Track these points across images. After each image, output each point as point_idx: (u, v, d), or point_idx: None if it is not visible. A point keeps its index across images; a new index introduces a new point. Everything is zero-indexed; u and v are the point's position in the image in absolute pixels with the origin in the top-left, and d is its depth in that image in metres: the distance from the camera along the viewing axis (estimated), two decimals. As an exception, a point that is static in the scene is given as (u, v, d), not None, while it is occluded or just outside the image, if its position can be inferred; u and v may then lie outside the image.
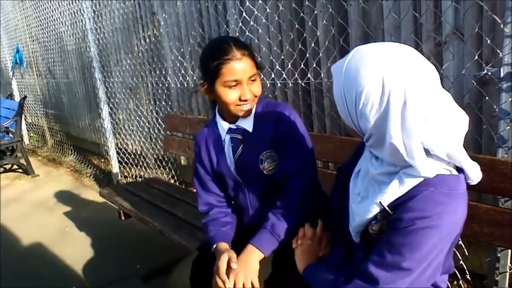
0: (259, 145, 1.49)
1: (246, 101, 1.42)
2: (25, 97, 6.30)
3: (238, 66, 1.37)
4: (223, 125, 1.54)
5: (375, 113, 0.95)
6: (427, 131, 0.93)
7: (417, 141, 0.93)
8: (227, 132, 1.54)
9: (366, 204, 1.06)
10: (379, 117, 0.95)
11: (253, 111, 1.51)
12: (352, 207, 1.13)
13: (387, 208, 1.01)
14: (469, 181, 1.03)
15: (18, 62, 7.28)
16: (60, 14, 5.48)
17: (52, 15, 5.75)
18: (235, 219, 1.63)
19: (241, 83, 1.40)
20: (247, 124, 1.51)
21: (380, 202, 1.01)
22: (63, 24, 5.52)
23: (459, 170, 1.03)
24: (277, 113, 1.50)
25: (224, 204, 1.65)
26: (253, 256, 1.36)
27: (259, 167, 1.49)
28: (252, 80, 1.42)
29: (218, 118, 1.56)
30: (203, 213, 1.64)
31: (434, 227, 0.94)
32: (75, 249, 3.17)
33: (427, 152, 0.96)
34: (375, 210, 1.04)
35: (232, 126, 1.53)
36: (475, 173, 1.02)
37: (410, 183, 0.98)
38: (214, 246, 1.49)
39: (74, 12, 5.08)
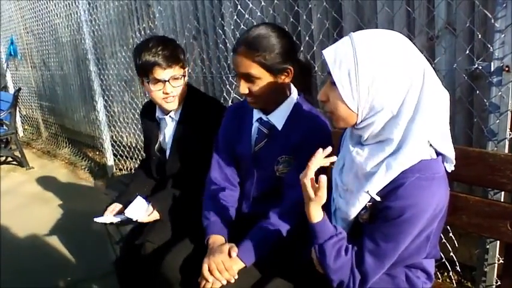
0: (282, 147, 1.49)
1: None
2: (19, 89, 6.28)
3: (235, 59, 1.41)
4: (256, 112, 1.54)
5: (395, 91, 0.99)
6: (434, 114, 1.00)
7: (423, 123, 0.99)
8: (256, 120, 1.54)
9: (354, 198, 1.09)
10: (397, 96, 0.99)
11: (290, 109, 1.50)
12: (340, 202, 1.16)
13: (376, 197, 1.04)
14: (446, 164, 1.09)
15: (12, 53, 7.23)
16: (55, 6, 5.44)
17: (47, 7, 5.71)
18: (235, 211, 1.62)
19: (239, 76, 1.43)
20: (279, 121, 1.50)
21: (368, 192, 1.04)
22: (58, 15, 5.48)
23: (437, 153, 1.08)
24: (311, 122, 1.47)
25: (232, 192, 1.62)
26: (234, 265, 1.36)
27: (273, 167, 1.50)
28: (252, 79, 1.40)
29: None
30: (211, 184, 1.62)
31: (424, 211, 1.00)
32: (70, 242, 3.18)
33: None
34: (364, 200, 1.07)
35: (264, 117, 1.52)
36: (453, 157, 1.09)
37: (395, 170, 1.02)
38: (210, 237, 1.49)
39: (68, 3, 5.05)
